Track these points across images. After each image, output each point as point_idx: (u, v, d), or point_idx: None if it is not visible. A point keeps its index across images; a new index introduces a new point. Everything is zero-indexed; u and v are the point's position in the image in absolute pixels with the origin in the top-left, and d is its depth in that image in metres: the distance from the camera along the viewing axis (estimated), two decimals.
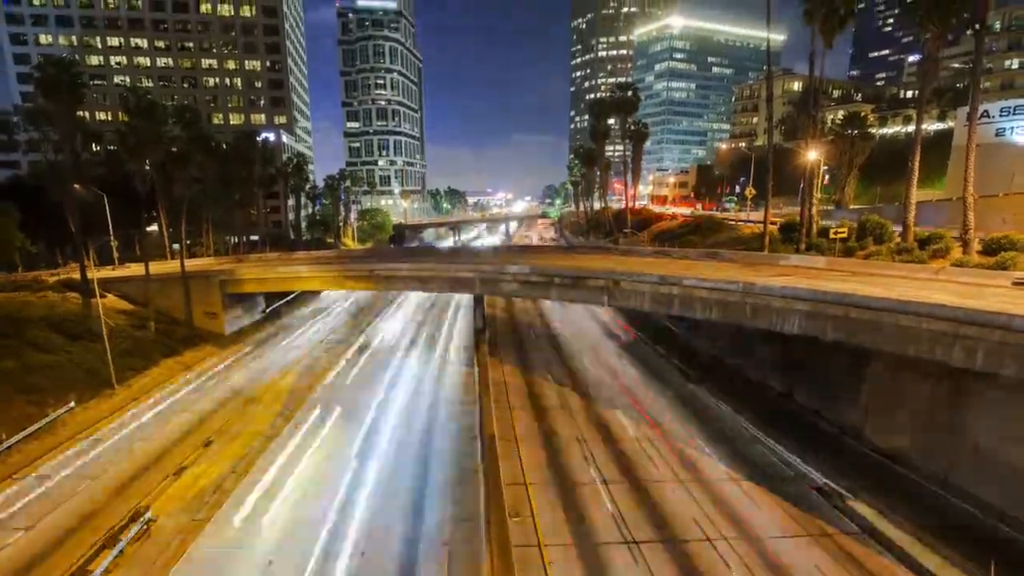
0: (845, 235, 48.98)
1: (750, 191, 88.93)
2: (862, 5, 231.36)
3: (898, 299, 26.74)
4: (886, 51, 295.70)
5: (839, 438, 32.75)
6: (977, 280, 33.87)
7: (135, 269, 62.71)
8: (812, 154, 52.18)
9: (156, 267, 58.29)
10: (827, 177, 74.69)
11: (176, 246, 66.60)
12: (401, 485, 28.71)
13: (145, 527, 24.60)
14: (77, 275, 56.18)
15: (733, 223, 76.77)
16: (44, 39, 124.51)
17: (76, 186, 52.75)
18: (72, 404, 37.29)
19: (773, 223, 57.67)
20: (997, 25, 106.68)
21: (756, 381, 42.80)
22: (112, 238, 49.63)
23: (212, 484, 28.76)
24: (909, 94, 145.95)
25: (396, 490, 28.19)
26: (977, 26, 42.69)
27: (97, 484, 28.85)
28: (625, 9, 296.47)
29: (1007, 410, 24.23)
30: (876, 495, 26.62)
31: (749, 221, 75.62)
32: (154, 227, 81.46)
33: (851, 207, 71.63)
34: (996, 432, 24.73)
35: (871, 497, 26.52)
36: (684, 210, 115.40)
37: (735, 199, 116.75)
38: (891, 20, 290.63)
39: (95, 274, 47.43)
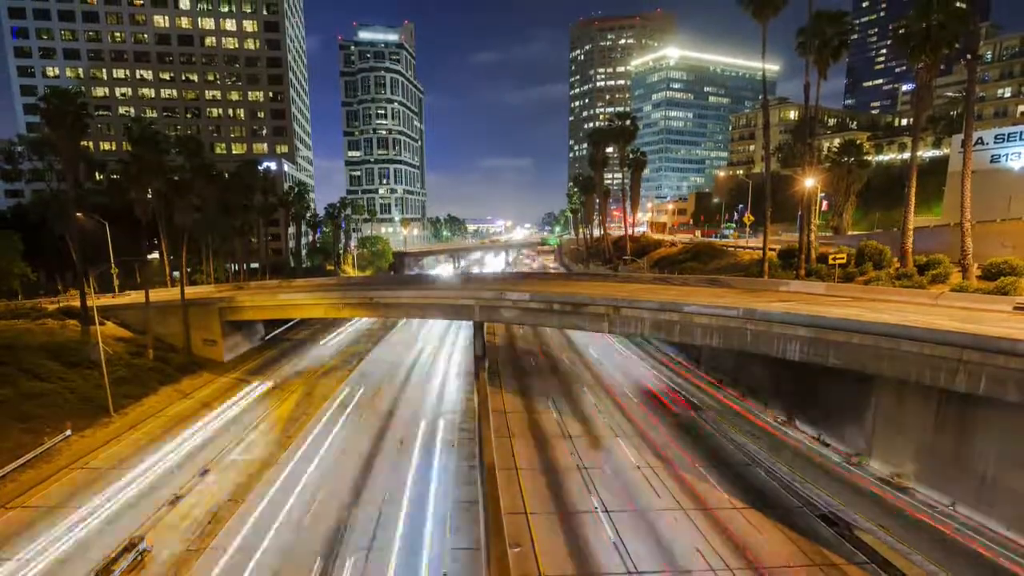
0: (844, 261, 49.09)
1: (748, 218, 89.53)
2: (855, 36, 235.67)
3: (900, 324, 26.70)
4: (880, 80, 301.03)
5: (844, 465, 32.38)
6: (977, 305, 33.88)
7: (135, 297, 62.78)
8: (809, 181, 52.63)
9: (156, 295, 58.30)
10: (825, 204, 75.18)
11: (176, 274, 66.77)
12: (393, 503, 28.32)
13: (139, 557, 24.14)
14: (77, 303, 56.20)
15: (732, 250, 77.03)
16: (51, 71, 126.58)
17: (78, 215, 53.15)
18: (68, 432, 36.93)
19: (772, 249, 57.86)
20: (989, 55, 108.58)
21: (758, 407, 42.50)
22: (113, 266, 49.74)
23: (208, 513, 28.33)
24: (904, 122, 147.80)
25: (394, 518, 27.79)
26: (969, 56, 43.47)
27: (92, 513, 28.40)
28: (622, 41, 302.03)
29: (1013, 436, 23.99)
30: (883, 523, 26.21)
31: (748, 248, 75.88)
32: (155, 255, 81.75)
33: (849, 233, 71.94)
34: (1002, 459, 24.45)
35: (877, 526, 26.11)
36: (683, 237, 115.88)
37: (734, 226, 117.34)
38: (884, 51, 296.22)
39: (95, 302, 47.39)
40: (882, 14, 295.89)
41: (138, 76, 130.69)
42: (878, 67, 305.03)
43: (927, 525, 25.91)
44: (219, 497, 30.12)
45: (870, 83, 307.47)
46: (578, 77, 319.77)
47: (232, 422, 42.13)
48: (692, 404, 44.92)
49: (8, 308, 55.51)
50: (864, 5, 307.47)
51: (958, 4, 42.91)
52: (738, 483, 31.13)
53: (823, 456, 34.01)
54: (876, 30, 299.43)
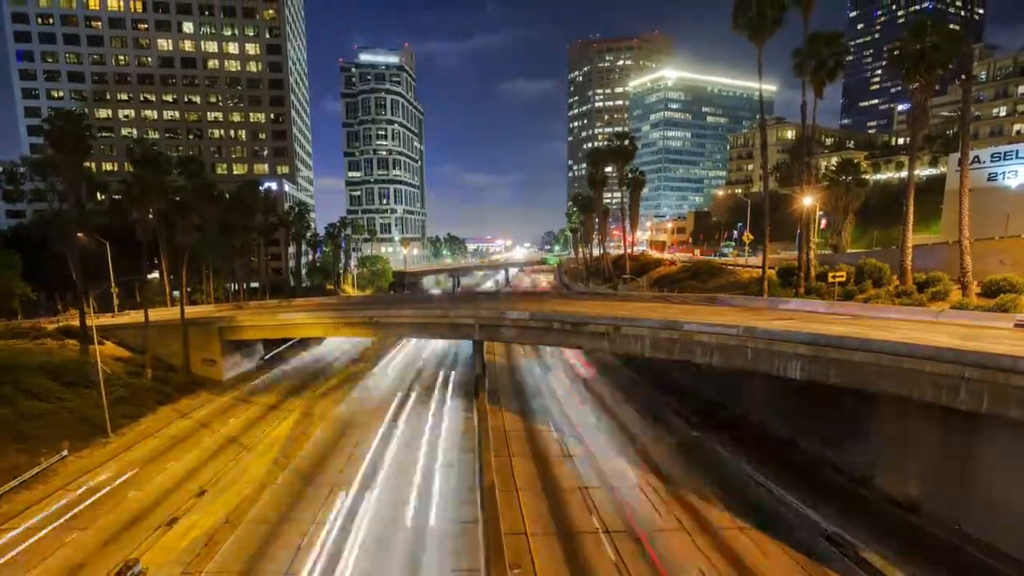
0: (844, 279, 49.09)
1: (748, 236, 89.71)
2: (850, 57, 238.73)
3: (900, 342, 26.59)
4: (876, 100, 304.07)
5: (848, 485, 32.07)
6: (978, 322, 33.83)
7: (135, 316, 62.73)
8: (808, 200, 52.90)
9: (156, 314, 58.25)
10: (823, 222, 75.43)
11: (176, 293, 66.86)
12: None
13: None
14: (76, 322, 56.15)
15: (732, 268, 77.11)
16: (55, 93, 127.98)
17: (79, 234, 53.34)
18: (65, 452, 36.68)
19: (771, 268, 57.90)
20: (983, 75, 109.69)
21: (760, 426, 42.22)
22: (113, 285, 49.80)
23: (204, 535, 28.00)
24: (900, 141, 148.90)
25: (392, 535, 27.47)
26: (963, 76, 43.94)
27: (87, 535, 28.09)
28: (621, 62, 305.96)
29: (1017, 454, 23.78)
30: (888, 544, 25.84)
31: (747, 266, 75.97)
32: (155, 274, 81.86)
33: (848, 251, 72.07)
34: (1008, 477, 24.21)
35: (883, 546, 25.74)
36: (682, 256, 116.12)
37: (733, 244, 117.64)
38: (879, 71, 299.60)
39: (94, 321, 47.35)
40: (877, 35, 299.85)
41: (141, 98, 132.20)
42: (874, 87, 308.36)
43: (933, 545, 25.58)
44: (216, 518, 29.77)
45: (866, 103, 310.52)
46: (577, 98, 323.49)
47: (230, 442, 41.83)
48: (692, 423, 44.65)
49: (7, 328, 55.43)
50: (859, 27, 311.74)
51: (951, 26, 43.47)
52: (740, 503, 30.80)
53: (826, 475, 33.72)
54: (871, 51, 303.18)
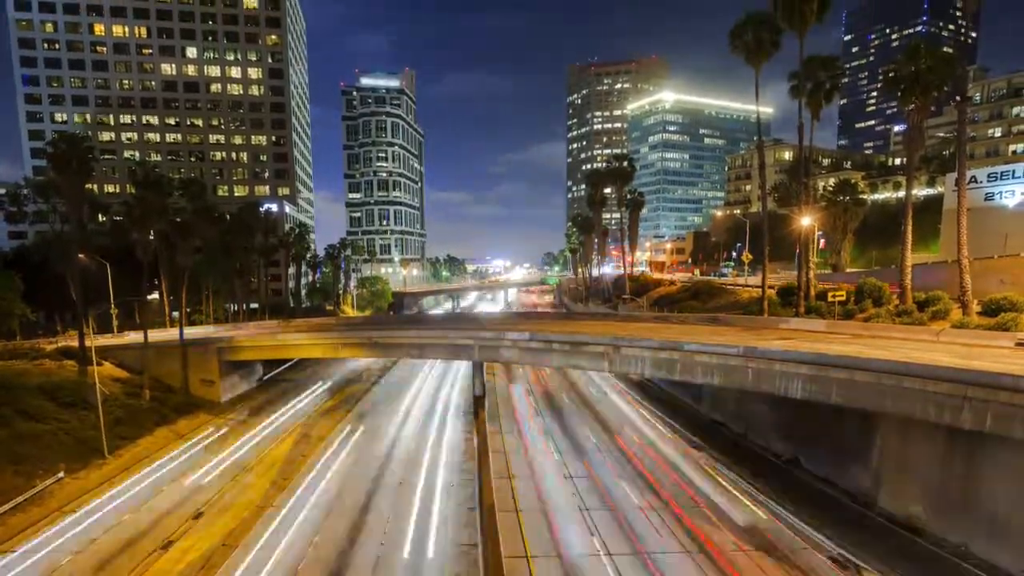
0: (843, 298, 49.13)
1: (747, 256, 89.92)
2: (846, 80, 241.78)
3: (901, 361, 26.55)
4: (872, 122, 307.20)
5: (851, 505, 31.77)
6: (979, 341, 33.82)
7: (134, 337, 62.57)
8: (806, 220, 53.14)
9: (155, 335, 58.14)
10: (823, 241, 75.66)
11: (176, 314, 66.83)
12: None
13: None
14: (75, 343, 55.98)
15: (731, 288, 77.14)
16: (59, 116, 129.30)
17: (80, 255, 53.48)
18: (61, 474, 36.31)
19: (771, 287, 57.93)
20: (978, 97, 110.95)
21: (761, 446, 41.95)
22: (112, 306, 49.74)
23: (201, 558, 27.62)
24: (897, 161, 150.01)
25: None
26: (958, 98, 44.41)
27: (82, 559, 27.69)
28: (619, 85, 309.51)
29: (1021, 474, 23.59)
30: (893, 565, 25.51)
31: (747, 286, 76.01)
32: (155, 295, 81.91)
33: (848, 270, 72.22)
34: (1013, 496, 23.99)
35: (887, 568, 25.41)
36: (682, 276, 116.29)
37: (732, 264, 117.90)
38: (875, 94, 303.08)
39: (93, 342, 47.18)
40: (871, 58, 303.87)
41: (144, 121, 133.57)
42: (869, 109, 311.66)
43: (939, 567, 25.25)
44: (213, 541, 29.41)
45: (862, 124, 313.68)
46: (575, 120, 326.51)
47: (228, 464, 41.47)
48: (694, 444, 44.34)
49: (6, 348, 55.27)
50: (854, 50, 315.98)
51: (945, 49, 44.12)
52: (743, 524, 30.45)
53: (830, 496, 33.41)
54: (866, 73, 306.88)
